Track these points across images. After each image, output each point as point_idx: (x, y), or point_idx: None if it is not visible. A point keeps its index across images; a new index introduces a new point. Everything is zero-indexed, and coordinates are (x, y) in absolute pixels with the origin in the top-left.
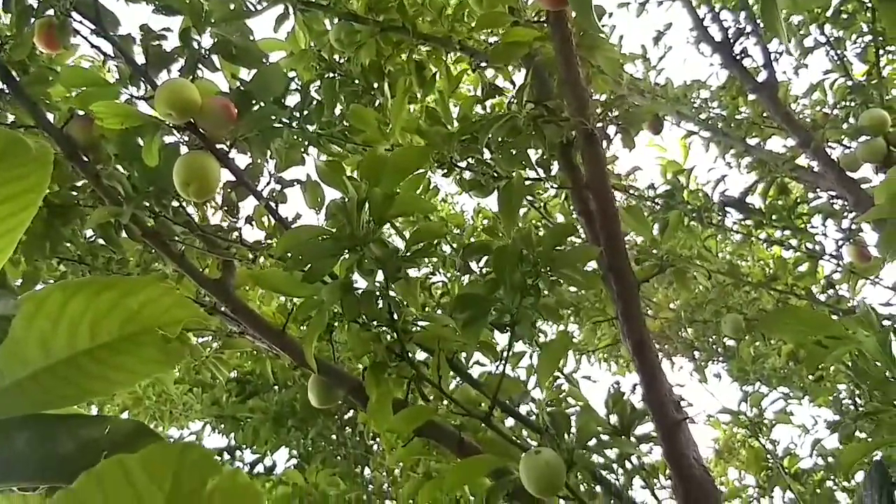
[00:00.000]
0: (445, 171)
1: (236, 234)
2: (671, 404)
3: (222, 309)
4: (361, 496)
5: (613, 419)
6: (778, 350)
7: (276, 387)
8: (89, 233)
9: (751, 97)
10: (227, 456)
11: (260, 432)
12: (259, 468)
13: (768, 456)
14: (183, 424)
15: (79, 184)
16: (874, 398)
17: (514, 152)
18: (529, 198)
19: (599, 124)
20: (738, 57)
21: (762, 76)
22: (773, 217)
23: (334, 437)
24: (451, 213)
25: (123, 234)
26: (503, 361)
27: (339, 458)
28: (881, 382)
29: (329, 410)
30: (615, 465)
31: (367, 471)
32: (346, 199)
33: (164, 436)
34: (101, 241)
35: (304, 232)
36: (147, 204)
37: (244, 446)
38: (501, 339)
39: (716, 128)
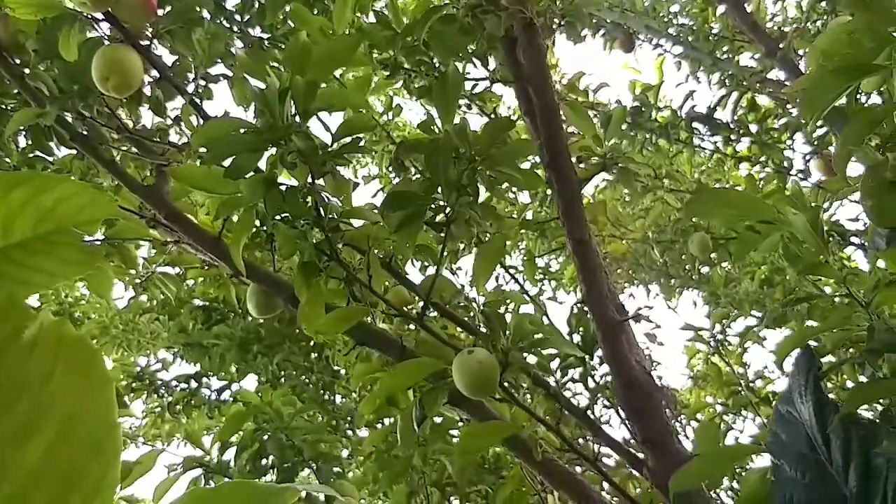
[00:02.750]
0: (390, 73)
1: (167, 136)
2: (612, 305)
3: (158, 218)
4: (331, 421)
5: (577, 338)
6: (751, 274)
7: (242, 312)
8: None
9: (720, 9)
10: (193, 383)
11: (226, 359)
12: (226, 395)
13: (740, 380)
14: (150, 352)
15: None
16: (806, 284)
17: (450, 43)
18: (474, 101)
19: (542, 17)
20: None
21: None
22: (741, 132)
23: (304, 363)
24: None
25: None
26: (440, 262)
27: (308, 383)
28: (812, 266)
29: (296, 335)
30: (553, 367)
31: (338, 398)
32: (266, 89)
33: (133, 363)
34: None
35: (223, 124)
36: (74, 106)
37: (211, 373)
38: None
39: (686, 42)
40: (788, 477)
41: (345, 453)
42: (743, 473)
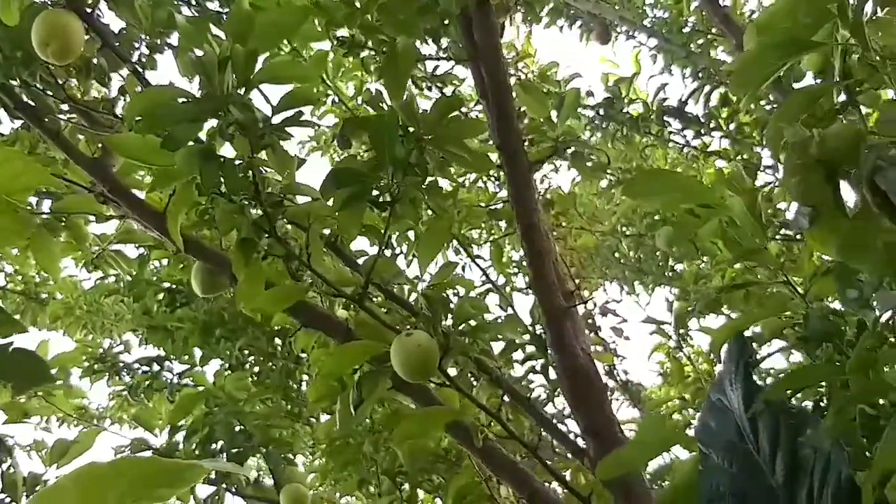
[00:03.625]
0: (347, 50)
1: (113, 107)
2: (558, 292)
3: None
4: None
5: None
6: (722, 272)
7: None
8: None
9: (694, 3)
10: (156, 366)
11: (189, 342)
12: (188, 379)
13: (703, 375)
14: (115, 334)
15: None
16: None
17: (401, 17)
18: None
19: None
20: None
21: None
22: (712, 127)
23: (268, 348)
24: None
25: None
26: (383, 242)
27: (272, 369)
28: (749, 252)
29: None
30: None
31: (303, 385)
32: (203, 57)
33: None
34: None
35: (159, 93)
36: (18, 73)
37: (173, 357)
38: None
39: (660, 34)
40: (716, 466)
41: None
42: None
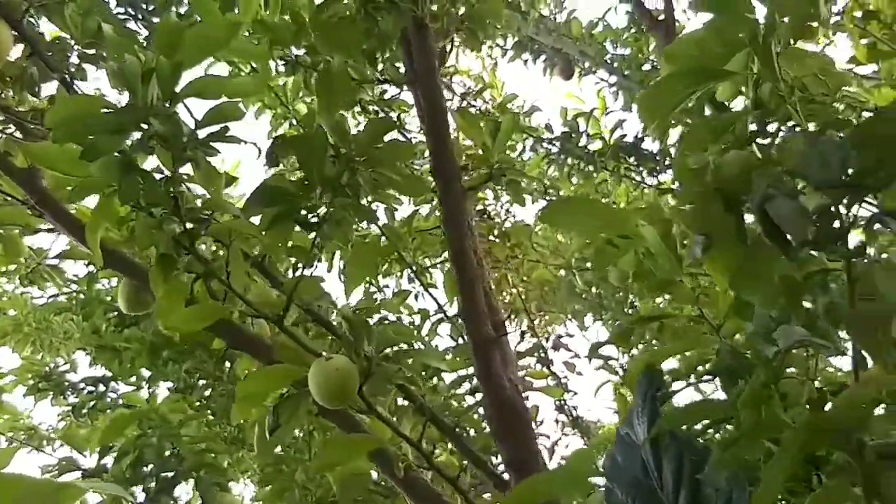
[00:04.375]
0: (288, 69)
1: (42, 116)
2: (488, 321)
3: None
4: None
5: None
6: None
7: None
8: None
9: (652, 44)
10: (102, 386)
11: (136, 363)
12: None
13: None
14: (63, 353)
15: None
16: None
17: (334, 36)
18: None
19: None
20: None
21: (662, 16)
22: (666, 164)
23: (215, 371)
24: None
25: None
26: (311, 264)
27: (222, 393)
28: (663, 284)
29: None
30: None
31: None
32: (126, 66)
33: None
34: None
35: (82, 103)
36: None
37: (119, 378)
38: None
39: (619, 71)
40: (619, 502)
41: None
42: None
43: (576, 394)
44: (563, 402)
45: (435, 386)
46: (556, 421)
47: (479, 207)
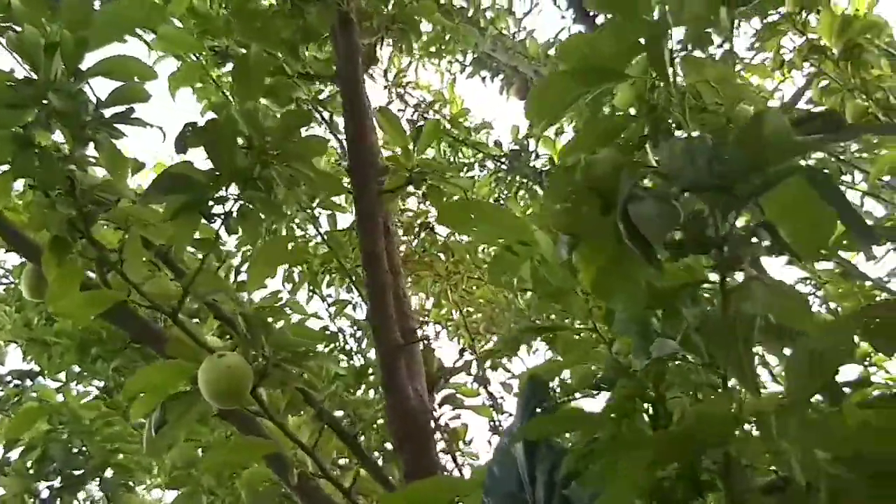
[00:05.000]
0: (221, 59)
1: None
2: (396, 328)
3: None
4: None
5: None
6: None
7: None
8: None
9: None
10: (28, 381)
11: (65, 359)
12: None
13: None
14: None
15: None
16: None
17: (257, 25)
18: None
19: (369, 19)
20: (591, 13)
21: None
22: None
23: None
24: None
25: None
26: (208, 254)
27: None
28: (558, 293)
29: (137, 341)
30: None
31: None
32: (24, 35)
33: None
34: None
35: None
36: None
37: (46, 373)
38: None
39: None
40: None
41: None
42: None
43: (511, 415)
44: (497, 423)
45: (349, 391)
46: (489, 442)
47: (421, 221)
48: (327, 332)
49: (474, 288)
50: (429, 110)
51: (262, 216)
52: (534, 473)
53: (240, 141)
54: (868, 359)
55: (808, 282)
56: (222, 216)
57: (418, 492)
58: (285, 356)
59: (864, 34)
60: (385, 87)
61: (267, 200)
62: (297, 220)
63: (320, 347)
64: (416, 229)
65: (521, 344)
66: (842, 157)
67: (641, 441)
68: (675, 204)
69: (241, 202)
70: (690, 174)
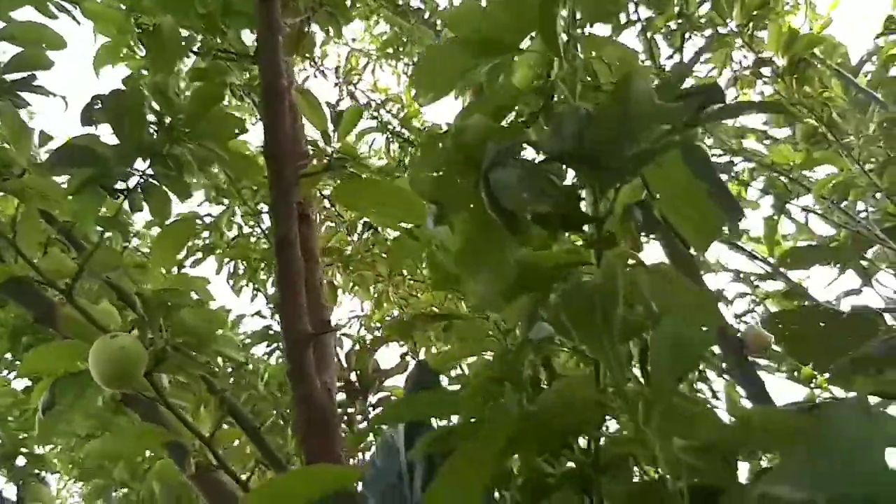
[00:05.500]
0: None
1: None
2: (305, 317)
3: None
4: None
5: (353, 376)
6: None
7: None
8: None
9: None
10: None
11: None
12: None
13: None
14: None
15: None
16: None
17: None
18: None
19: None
20: None
21: None
22: None
23: None
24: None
25: None
26: (106, 231)
27: None
28: (444, 281)
29: (40, 321)
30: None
31: None
32: None
33: None
34: None
35: None
36: None
37: None
38: None
39: None
40: None
41: None
42: None
43: None
44: None
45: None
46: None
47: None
48: (269, 333)
49: (417, 292)
50: (379, 109)
51: (168, 195)
52: (413, 463)
53: (152, 118)
54: (813, 380)
55: (745, 296)
56: (125, 192)
57: (284, 486)
58: (186, 340)
59: (810, 49)
60: (335, 85)
61: (176, 178)
62: (238, 216)
63: (221, 331)
64: (360, 228)
65: (414, 330)
66: (791, 177)
67: (496, 421)
68: (547, 175)
69: (146, 179)
70: (554, 143)
